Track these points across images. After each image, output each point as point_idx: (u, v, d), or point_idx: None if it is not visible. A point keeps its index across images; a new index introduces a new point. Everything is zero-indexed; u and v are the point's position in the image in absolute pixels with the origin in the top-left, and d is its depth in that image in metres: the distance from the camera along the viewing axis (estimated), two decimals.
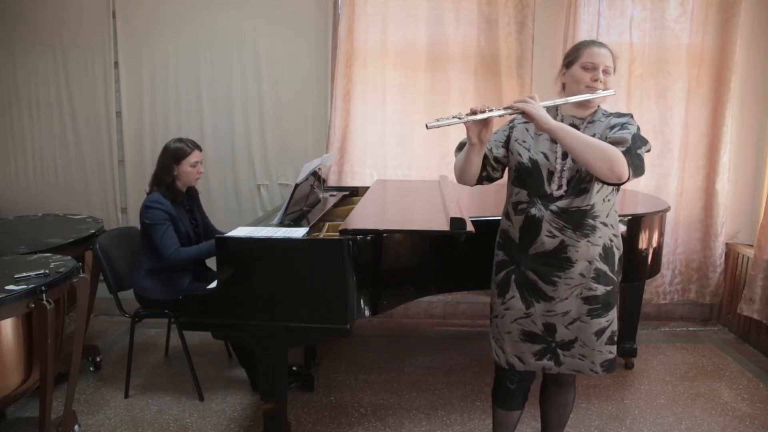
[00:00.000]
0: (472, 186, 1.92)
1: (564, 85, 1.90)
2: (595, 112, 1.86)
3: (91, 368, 3.05)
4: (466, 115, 1.68)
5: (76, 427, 2.40)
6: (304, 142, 3.73)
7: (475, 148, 1.77)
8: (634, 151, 1.70)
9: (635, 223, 2.70)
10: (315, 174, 2.93)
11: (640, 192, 3.48)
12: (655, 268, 2.93)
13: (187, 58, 3.66)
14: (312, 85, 3.67)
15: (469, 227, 2.09)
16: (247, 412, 2.67)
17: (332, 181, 3.63)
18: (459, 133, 3.57)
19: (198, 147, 2.79)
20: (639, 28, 3.51)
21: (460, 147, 1.93)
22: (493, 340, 1.97)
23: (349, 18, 3.47)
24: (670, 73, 3.53)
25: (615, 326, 1.89)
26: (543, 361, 1.89)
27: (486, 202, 2.87)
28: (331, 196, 3.27)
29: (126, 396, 2.79)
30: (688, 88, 3.55)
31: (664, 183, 3.62)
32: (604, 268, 1.84)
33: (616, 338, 1.90)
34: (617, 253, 1.88)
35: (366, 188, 3.24)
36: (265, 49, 3.64)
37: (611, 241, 1.86)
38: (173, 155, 2.72)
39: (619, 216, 2.59)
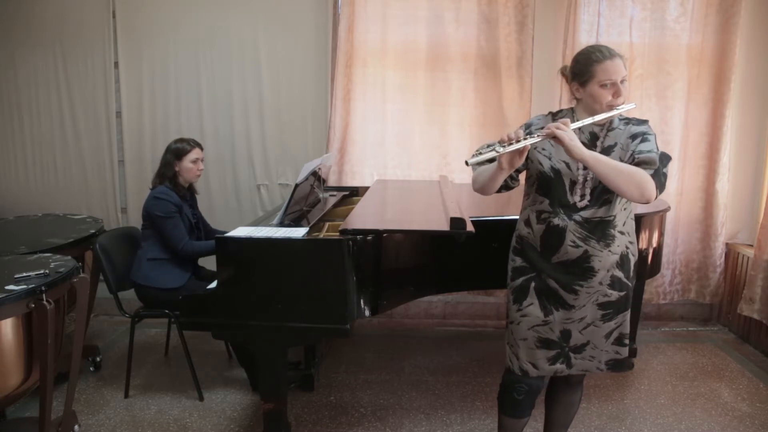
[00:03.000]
0: (489, 195, 1.91)
1: (578, 100, 1.84)
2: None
3: (91, 368, 3.05)
4: (500, 143, 1.67)
5: (76, 427, 2.40)
6: (304, 142, 3.73)
7: (503, 172, 1.74)
8: (661, 170, 1.73)
9: (635, 223, 2.69)
10: (315, 174, 2.93)
11: None
12: (655, 268, 2.93)
13: (187, 58, 3.66)
14: (312, 85, 3.67)
15: (469, 227, 2.09)
16: (247, 412, 2.67)
17: (332, 181, 3.62)
18: (460, 134, 3.61)
19: (199, 145, 2.87)
20: (639, 28, 3.51)
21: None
22: (507, 345, 1.95)
23: (349, 18, 3.47)
24: (670, 73, 3.53)
25: (625, 329, 1.91)
26: (556, 365, 1.89)
27: (486, 203, 2.86)
28: (331, 196, 3.27)
29: (126, 396, 2.79)
30: (688, 88, 3.55)
31: None
32: (620, 274, 1.85)
33: (626, 340, 1.91)
34: (633, 260, 1.89)
35: (366, 188, 3.24)
36: (265, 49, 3.64)
37: (627, 248, 1.87)
38: (174, 153, 2.81)
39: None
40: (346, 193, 3.33)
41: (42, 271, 1.97)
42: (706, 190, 3.65)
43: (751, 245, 3.54)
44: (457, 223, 2.12)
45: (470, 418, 2.63)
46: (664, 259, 3.19)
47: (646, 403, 2.80)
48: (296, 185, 2.52)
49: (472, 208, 2.58)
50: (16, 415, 2.56)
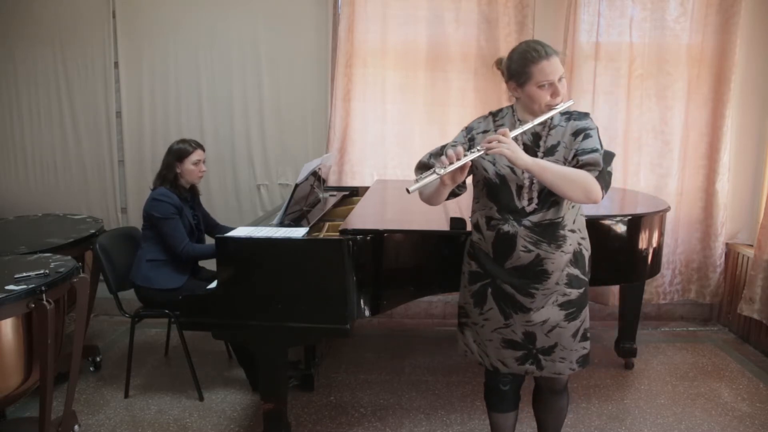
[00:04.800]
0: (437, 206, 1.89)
1: (517, 99, 1.82)
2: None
3: (91, 368, 3.05)
4: (440, 165, 1.64)
5: (76, 427, 2.40)
6: (304, 142, 3.73)
7: (447, 187, 1.73)
8: (605, 170, 1.72)
9: (635, 223, 2.70)
10: (315, 174, 2.93)
11: (640, 192, 3.48)
12: (655, 268, 2.93)
13: (187, 58, 3.66)
14: (312, 85, 3.67)
15: (469, 227, 2.09)
16: (247, 412, 2.67)
17: (332, 181, 3.63)
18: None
19: (200, 146, 2.86)
20: (639, 28, 3.51)
21: (422, 167, 1.88)
22: (474, 344, 1.95)
23: (349, 18, 3.47)
24: (670, 73, 3.53)
25: (587, 323, 1.90)
26: (525, 365, 1.89)
27: None
28: (331, 196, 3.27)
29: (126, 396, 2.79)
30: (688, 88, 3.55)
31: (664, 183, 3.62)
32: (575, 272, 1.84)
33: (588, 334, 1.91)
34: (587, 255, 1.88)
35: (366, 188, 3.25)
36: (265, 49, 3.64)
37: (579, 244, 1.85)
38: (176, 154, 2.79)
39: (619, 216, 2.61)
40: (346, 193, 3.33)
41: (42, 271, 1.97)
42: (706, 190, 3.65)
43: (751, 245, 3.54)
44: (457, 223, 2.12)
45: (470, 418, 2.63)
46: (664, 259, 3.18)
47: (646, 403, 2.80)
48: (296, 185, 2.52)
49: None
50: (16, 415, 2.56)
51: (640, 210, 2.78)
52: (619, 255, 2.66)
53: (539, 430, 2.16)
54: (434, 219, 2.39)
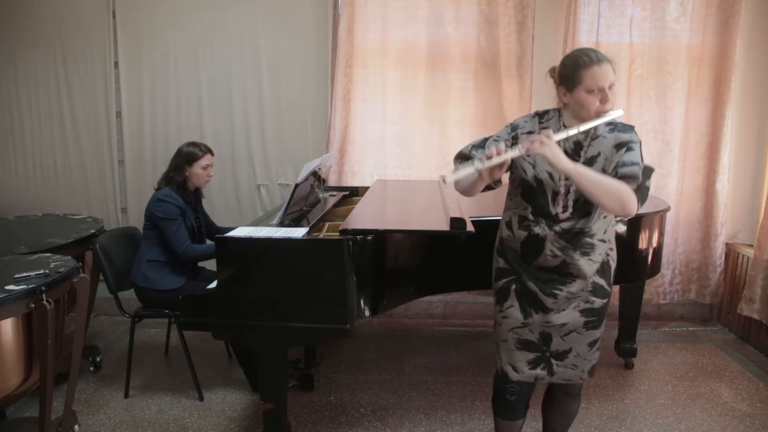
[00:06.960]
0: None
1: (566, 104, 1.80)
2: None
3: (91, 368, 3.05)
4: (480, 159, 1.65)
5: (76, 427, 2.40)
6: (304, 142, 3.73)
7: (484, 180, 1.73)
8: (644, 184, 1.72)
9: (635, 223, 2.70)
10: (315, 174, 2.93)
11: None
12: (655, 268, 2.93)
13: (187, 58, 3.66)
14: (312, 85, 3.67)
15: (469, 227, 2.09)
16: (247, 412, 2.67)
17: (332, 181, 3.63)
18: (460, 134, 3.60)
19: (210, 151, 2.85)
20: (639, 28, 3.51)
21: (462, 157, 1.90)
22: (494, 344, 1.97)
23: (349, 18, 3.47)
24: (670, 73, 3.53)
25: (601, 333, 1.91)
26: (536, 370, 1.88)
27: (486, 203, 2.86)
28: (331, 196, 3.27)
29: (126, 396, 2.79)
30: (688, 88, 3.55)
31: (664, 183, 3.62)
32: (601, 281, 1.85)
33: (600, 344, 1.92)
34: (613, 266, 1.89)
35: (366, 188, 3.24)
36: (265, 49, 3.64)
37: (608, 255, 1.86)
38: (186, 157, 2.78)
39: (619, 216, 2.61)
40: (346, 193, 3.33)
41: (42, 271, 1.97)
42: (706, 190, 3.65)
43: (751, 245, 3.54)
44: (457, 223, 2.12)
45: (470, 418, 2.63)
46: (664, 259, 3.19)
47: (646, 403, 2.80)
48: (296, 185, 2.52)
49: (472, 208, 2.58)
50: (16, 415, 2.56)
51: (640, 210, 2.78)
52: (619, 255, 2.65)
53: (544, 430, 2.16)
54: (434, 219, 2.39)
